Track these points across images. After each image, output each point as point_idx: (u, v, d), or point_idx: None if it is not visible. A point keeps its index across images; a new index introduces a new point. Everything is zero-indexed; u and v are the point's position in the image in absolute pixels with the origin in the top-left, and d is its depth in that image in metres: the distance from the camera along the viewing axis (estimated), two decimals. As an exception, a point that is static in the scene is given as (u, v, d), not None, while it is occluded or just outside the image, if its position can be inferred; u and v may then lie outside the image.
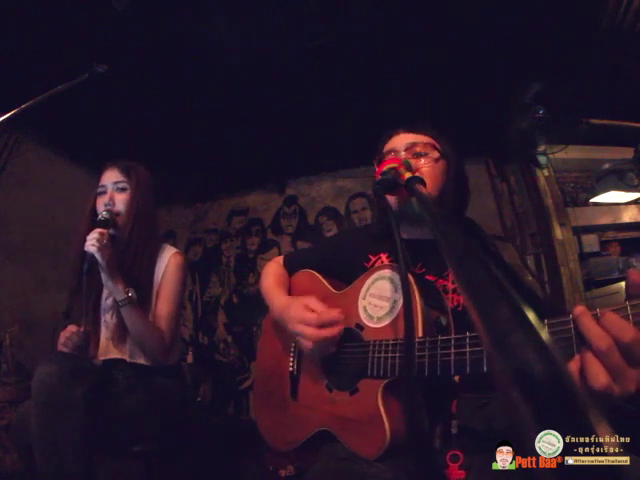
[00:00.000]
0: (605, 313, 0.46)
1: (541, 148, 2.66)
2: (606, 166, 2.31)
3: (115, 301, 1.14)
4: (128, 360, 1.19)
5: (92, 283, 1.20)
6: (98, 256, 1.08)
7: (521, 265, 0.93)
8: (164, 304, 1.23)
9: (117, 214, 1.22)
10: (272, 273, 1.08)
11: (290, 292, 1.06)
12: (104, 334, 1.24)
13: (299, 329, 0.80)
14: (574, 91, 2.07)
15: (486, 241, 0.92)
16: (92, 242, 1.08)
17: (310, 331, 0.78)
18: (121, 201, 1.25)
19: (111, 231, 1.19)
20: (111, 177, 1.27)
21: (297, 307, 0.83)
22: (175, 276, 1.28)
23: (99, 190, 1.27)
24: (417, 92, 2.23)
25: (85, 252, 1.10)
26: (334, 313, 0.78)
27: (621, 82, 2.07)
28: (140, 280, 1.21)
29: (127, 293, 1.12)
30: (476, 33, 1.93)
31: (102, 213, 1.19)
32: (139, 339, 1.15)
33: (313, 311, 0.80)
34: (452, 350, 0.61)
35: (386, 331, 0.74)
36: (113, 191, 1.25)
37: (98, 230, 1.12)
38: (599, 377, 0.44)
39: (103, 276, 1.11)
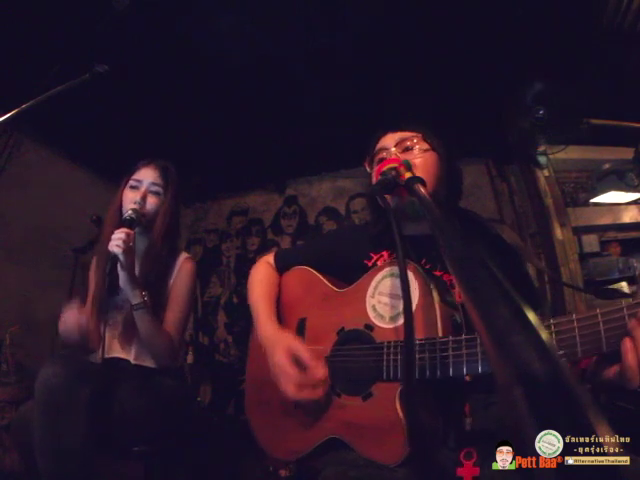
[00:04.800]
0: None
1: (541, 148, 2.66)
2: (606, 166, 2.31)
3: (129, 303, 1.12)
4: (133, 362, 1.18)
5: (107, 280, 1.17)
6: (122, 257, 1.04)
7: (522, 244, 0.93)
8: (174, 309, 1.22)
9: (143, 215, 1.18)
10: (260, 280, 1.04)
11: (282, 292, 1.03)
12: (108, 332, 1.22)
13: (280, 382, 0.77)
14: (574, 91, 2.07)
15: (484, 226, 0.93)
16: (117, 242, 1.04)
17: (290, 390, 0.75)
18: (152, 204, 1.20)
19: (136, 230, 1.15)
20: (149, 175, 1.22)
21: (281, 353, 0.79)
22: (186, 282, 1.26)
23: (132, 184, 1.22)
24: (418, 92, 2.23)
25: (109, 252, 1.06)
26: (319, 373, 0.74)
27: (621, 82, 2.07)
28: (158, 286, 1.19)
29: (143, 297, 1.09)
30: (476, 33, 1.93)
31: (128, 212, 1.14)
32: (149, 343, 1.13)
33: (298, 359, 0.77)
34: (450, 352, 0.61)
35: (401, 331, 0.69)
36: (147, 190, 1.21)
37: (124, 230, 1.07)
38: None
39: (122, 278, 1.08)
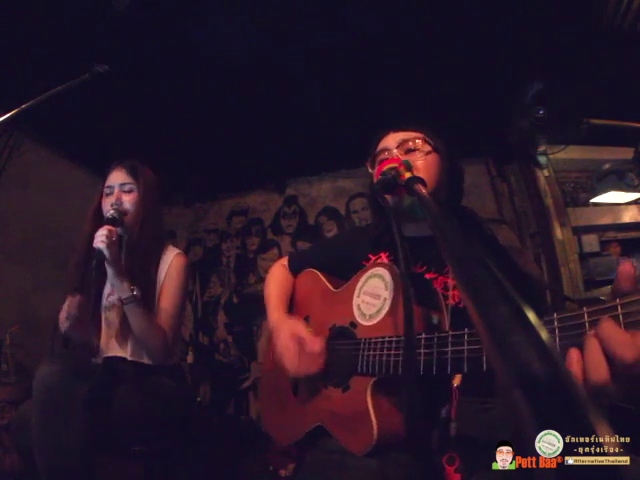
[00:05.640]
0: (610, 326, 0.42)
1: (541, 148, 2.66)
2: (606, 166, 2.31)
3: (119, 299, 1.14)
4: (129, 359, 1.19)
5: (95, 280, 1.20)
6: (106, 252, 1.08)
7: (519, 246, 0.93)
8: (167, 304, 1.23)
9: (125, 213, 1.22)
10: (275, 280, 1.10)
11: (294, 292, 1.09)
12: (105, 331, 1.24)
13: (283, 359, 0.85)
14: (574, 91, 2.07)
15: (481, 225, 0.92)
16: (101, 238, 1.08)
17: (291, 365, 0.83)
18: (128, 201, 1.25)
19: (119, 230, 1.19)
20: (118, 178, 1.27)
21: (285, 334, 0.87)
22: (178, 276, 1.28)
23: (106, 191, 1.27)
24: (418, 92, 2.23)
25: (91, 250, 1.09)
26: (316, 346, 0.80)
27: (621, 82, 2.07)
28: (145, 279, 1.21)
29: (132, 291, 1.12)
30: (476, 33, 1.93)
31: (110, 212, 1.19)
32: (142, 337, 1.15)
33: (299, 339, 0.83)
34: (449, 348, 0.60)
35: (376, 329, 0.75)
36: (120, 192, 1.26)
37: (107, 227, 1.11)
38: (600, 370, 0.41)
39: (109, 273, 1.11)
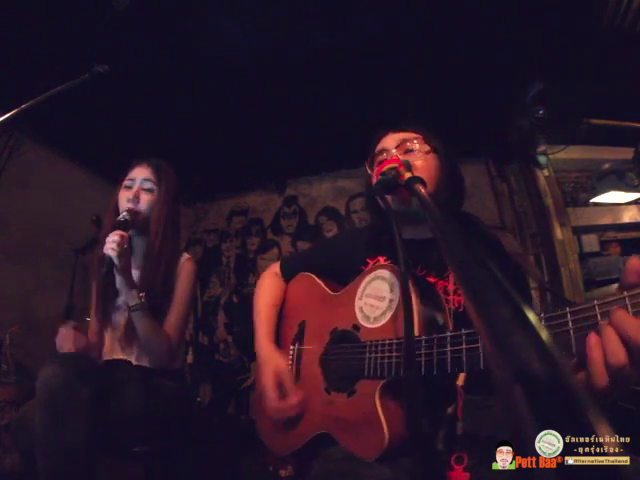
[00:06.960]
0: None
1: (541, 148, 2.66)
2: (606, 166, 2.31)
3: (126, 304, 1.13)
4: (134, 363, 1.18)
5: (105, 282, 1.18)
6: (116, 261, 1.06)
7: (522, 253, 0.92)
8: (175, 310, 1.22)
9: (137, 213, 1.19)
10: (265, 293, 1.08)
11: (288, 298, 1.08)
12: (111, 334, 1.23)
13: (263, 399, 0.89)
14: (574, 91, 2.07)
15: (485, 232, 0.92)
16: (112, 246, 1.06)
17: (269, 410, 0.87)
18: (146, 201, 1.22)
19: (130, 232, 1.16)
20: (141, 173, 1.24)
21: (268, 374, 0.89)
22: (187, 282, 1.26)
23: (126, 184, 1.24)
24: (418, 92, 2.23)
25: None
26: (294, 400, 0.84)
27: (621, 82, 2.07)
28: (159, 286, 1.19)
29: (140, 299, 1.10)
30: (477, 33, 1.93)
31: (122, 213, 1.16)
32: (147, 343, 1.14)
33: (281, 383, 0.87)
34: (448, 348, 0.61)
35: (382, 331, 0.73)
36: (140, 188, 1.22)
37: (118, 233, 1.08)
38: (618, 353, 0.43)
39: (118, 279, 1.09)
